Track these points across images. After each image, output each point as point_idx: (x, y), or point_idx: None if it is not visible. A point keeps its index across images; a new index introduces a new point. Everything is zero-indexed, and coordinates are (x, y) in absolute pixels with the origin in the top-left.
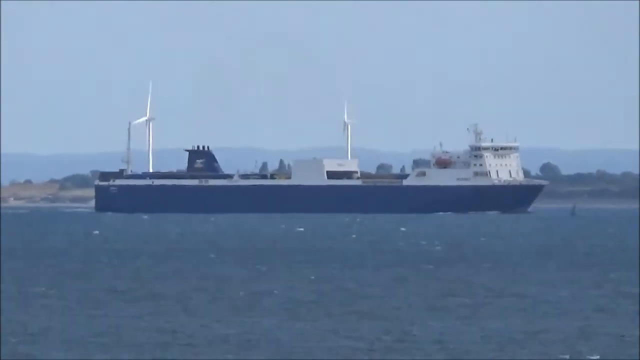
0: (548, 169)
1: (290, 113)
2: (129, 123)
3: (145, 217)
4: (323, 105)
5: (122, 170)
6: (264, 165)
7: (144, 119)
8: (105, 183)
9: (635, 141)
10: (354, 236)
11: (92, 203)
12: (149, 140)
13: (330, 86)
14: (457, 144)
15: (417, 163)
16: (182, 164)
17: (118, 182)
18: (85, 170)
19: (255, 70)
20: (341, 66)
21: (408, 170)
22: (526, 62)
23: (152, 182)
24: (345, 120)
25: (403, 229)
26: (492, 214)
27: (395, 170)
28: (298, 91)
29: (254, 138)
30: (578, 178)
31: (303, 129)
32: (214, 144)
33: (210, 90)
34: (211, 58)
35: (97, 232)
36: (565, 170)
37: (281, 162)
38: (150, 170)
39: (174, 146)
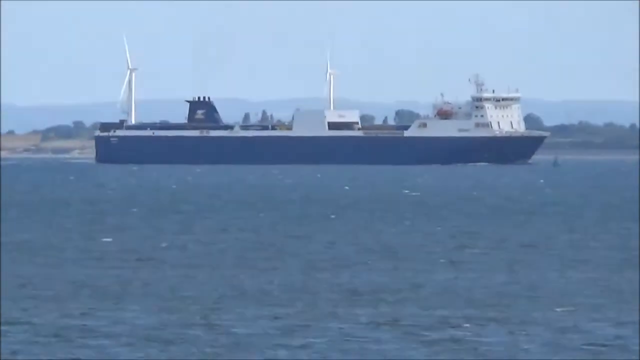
0: (531, 120)
1: (271, 63)
2: (129, 71)
3: (135, 168)
4: (305, 55)
5: (122, 121)
6: (246, 116)
7: (127, 71)
8: (106, 134)
9: (617, 92)
10: (346, 187)
11: (76, 153)
12: (131, 91)
13: (313, 36)
14: (438, 95)
15: (399, 114)
16: (166, 115)
17: (119, 133)
18: (67, 121)
19: (238, 22)
20: (325, 16)
21: (390, 122)
22: (509, 14)
23: (153, 133)
24: (328, 70)
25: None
26: (485, 165)
27: (378, 121)
28: (280, 42)
29: (235, 88)
30: (561, 129)
31: (285, 80)
32: (194, 95)
33: (192, 41)
34: (196, 11)
35: (71, 178)
36: (548, 121)
37: (264, 113)
38: (133, 122)
39: (151, 97)
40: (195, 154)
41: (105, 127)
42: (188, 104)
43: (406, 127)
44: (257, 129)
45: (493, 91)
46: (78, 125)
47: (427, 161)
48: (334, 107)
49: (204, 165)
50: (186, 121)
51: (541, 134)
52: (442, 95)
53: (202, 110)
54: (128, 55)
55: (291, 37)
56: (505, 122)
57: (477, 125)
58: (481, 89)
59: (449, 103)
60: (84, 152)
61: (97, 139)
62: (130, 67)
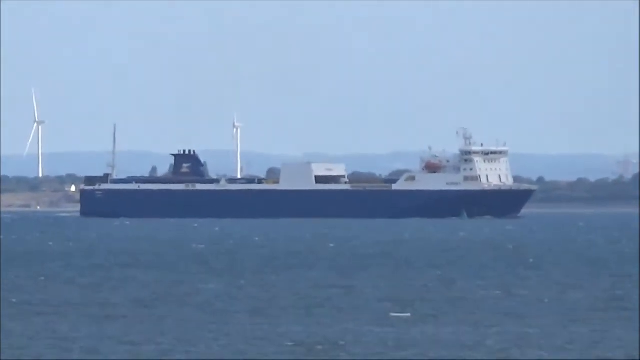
0: None
1: (178, 116)
2: (114, 126)
3: (119, 222)
4: (214, 107)
5: (107, 175)
6: (154, 169)
7: (34, 124)
8: (91, 187)
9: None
10: (331, 245)
11: None
12: (38, 144)
13: (220, 89)
14: (332, 147)
15: None
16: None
17: (104, 186)
18: None
19: (148, 74)
20: (230, 68)
21: None
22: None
23: (139, 187)
24: (235, 123)
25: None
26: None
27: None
28: (185, 94)
29: (142, 141)
30: None
31: (193, 132)
32: (103, 148)
33: (112, 93)
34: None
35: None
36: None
37: (171, 166)
38: (40, 175)
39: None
40: (181, 207)
41: (90, 180)
42: (173, 157)
43: (394, 181)
44: (243, 183)
45: (482, 144)
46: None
47: (416, 214)
48: (241, 159)
49: (191, 218)
50: (170, 174)
51: (530, 187)
52: (430, 148)
53: (188, 164)
54: (35, 107)
55: (196, 89)
56: (494, 175)
57: (466, 178)
58: (469, 142)
59: (436, 156)
60: None
61: (82, 193)
62: (37, 120)
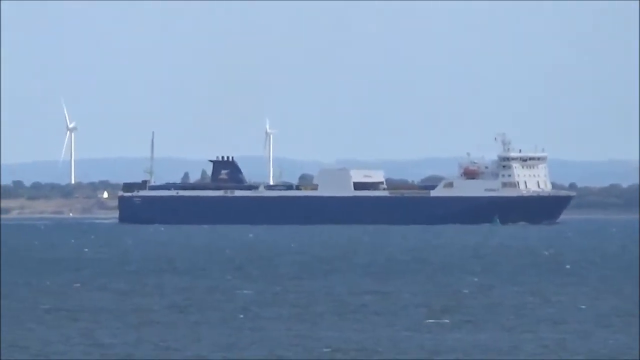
0: None
1: (210, 122)
2: (152, 133)
3: (163, 228)
4: (243, 114)
5: (145, 182)
6: (186, 175)
7: (67, 131)
8: (129, 194)
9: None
10: (367, 251)
11: (15, 213)
12: (71, 151)
13: (252, 96)
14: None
15: None
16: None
17: (142, 193)
18: (6, 181)
19: (176, 76)
20: (264, 76)
21: None
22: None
23: (177, 193)
24: (267, 130)
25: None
26: (515, 226)
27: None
28: (219, 101)
29: (173, 148)
30: None
31: (222, 138)
32: (133, 154)
33: (142, 99)
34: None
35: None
36: None
37: (203, 172)
38: (73, 182)
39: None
40: (219, 214)
41: (128, 187)
42: (212, 164)
43: (432, 187)
44: (281, 189)
45: (520, 150)
46: (17, 184)
47: (454, 221)
48: (273, 165)
49: (229, 225)
50: (209, 181)
51: (568, 193)
52: (468, 154)
53: (226, 170)
54: (66, 115)
55: (228, 95)
56: (532, 181)
57: (505, 184)
58: (508, 148)
59: (475, 162)
60: (23, 212)
61: (120, 199)
62: (69, 127)
